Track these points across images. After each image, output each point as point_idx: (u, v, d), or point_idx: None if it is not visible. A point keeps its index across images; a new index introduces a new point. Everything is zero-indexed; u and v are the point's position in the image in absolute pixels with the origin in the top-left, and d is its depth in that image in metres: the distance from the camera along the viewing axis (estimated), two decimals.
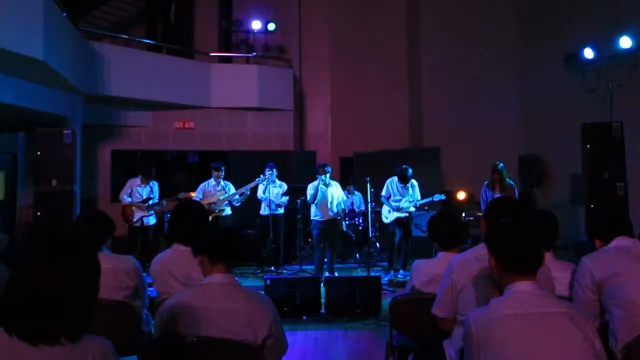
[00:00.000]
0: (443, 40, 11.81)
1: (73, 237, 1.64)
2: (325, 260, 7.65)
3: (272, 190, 8.16)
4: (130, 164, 10.97)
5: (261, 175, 7.99)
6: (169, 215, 5.41)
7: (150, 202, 7.97)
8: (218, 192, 8.06)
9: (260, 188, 8.20)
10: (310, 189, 7.56)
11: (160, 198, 8.08)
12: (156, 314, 2.46)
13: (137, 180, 8.01)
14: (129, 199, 7.93)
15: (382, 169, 8.53)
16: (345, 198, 8.10)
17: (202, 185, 8.18)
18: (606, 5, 9.54)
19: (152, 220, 8.05)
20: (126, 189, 7.99)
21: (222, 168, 8.12)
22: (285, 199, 8.29)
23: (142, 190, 7.97)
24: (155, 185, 8.14)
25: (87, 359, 1.53)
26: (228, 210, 8.20)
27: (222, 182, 8.15)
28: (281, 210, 8.32)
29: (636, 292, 2.57)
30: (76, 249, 1.60)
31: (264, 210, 8.26)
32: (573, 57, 10.07)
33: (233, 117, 11.59)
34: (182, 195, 8.08)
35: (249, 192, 8.09)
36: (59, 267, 1.54)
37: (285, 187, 8.31)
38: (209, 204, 7.84)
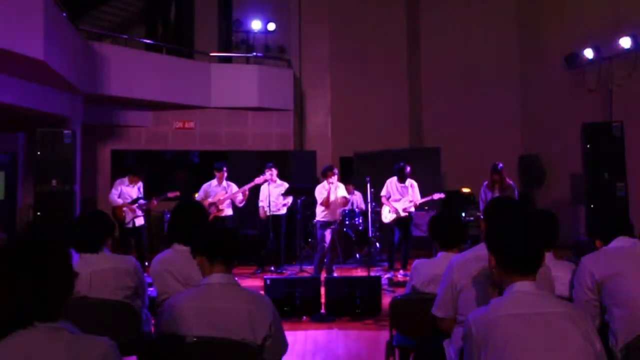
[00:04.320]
0: (443, 40, 11.82)
1: (41, 239, 1.64)
2: (325, 260, 7.64)
3: (273, 191, 8.15)
4: (131, 164, 10.96)
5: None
6: (169, 216, 5.39)
7: (140, 202, 7.87)
8: (220, 192, 8.04)
9: (265, 190, 8.17)
10: (321, 192, 7.46)
11: (147, 198, 8.00)
12: (156, 314, 2.46)
13: (125, 180, 7.91)
14: (120, 201, 7.86)
15: (382, 169, 8.53)
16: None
17: (204, 186, 8.15)
18: (606, 6, 9.54)
19: (141, 221, 7.93)
20: (115, 191, 7.88)
21: (224, 169, 8.11)
22: (288, 199, 8.27)
23: (131, 191, 7.89)
24: (141, 185, 8.03)
25: (88, 357, 1.53)
26: (229, 211, 8.18)
27: (224, 183, 8.14)
28: (283, 211, 8.30)
29: (636, 292, 2.57)
30: (43, 252, 1.60)
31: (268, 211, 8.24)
32: (573, 57, 10.08)
33: (233, 117, 11.59)
34: (169, 194, 8.00)
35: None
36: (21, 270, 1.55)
37: (286, 186, 8.29)
38: (211, 204, 7.83)
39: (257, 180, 8.02)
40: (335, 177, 7.40)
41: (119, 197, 7.81)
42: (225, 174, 8.12)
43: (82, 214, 6.46)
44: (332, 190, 7.33)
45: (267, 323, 2.30)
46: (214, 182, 8.13)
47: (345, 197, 7.50)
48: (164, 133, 11.45)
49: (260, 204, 8.26)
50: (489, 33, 11.72)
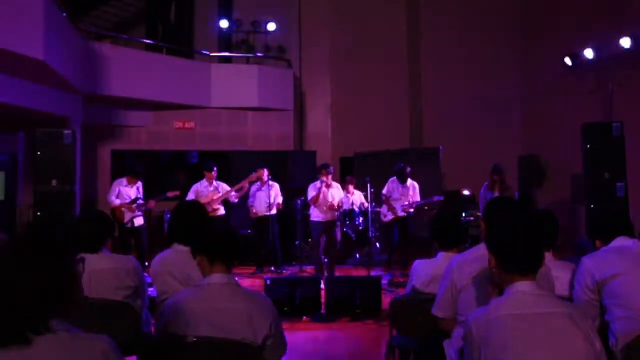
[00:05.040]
0: (443, 41, 11.82)
1: (46, 237, 1.62)
2: (326, 260, 7.64)
3: (264, 192, 8.15)
4: (131, 164, 10.94)
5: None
6: (169, 216, 5.38)
7: (138, 202, 7.87)
8: (211, 192, 8.02)
9: (257, 190, 8.18)
10: (311, 190, 7.52)
11: (146, 198, 7.98)
12: (156, 314, 2.46)
13: (124, 180, 7.88)
14: (117, 201, 7.85)
15: (382, 169, 8.53)
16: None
17: (194, 187, 8.09)
18: (606, 6, 9.54)
19: (140, 221, 7.90)
20: (114, 191, 7.85)
21: (214, 169, 8.07)
22: (279, 199, 8.27)
23: (130, 191, 7.86)
24: (140, 185, 8.01)
25: (88, 356, 1.53)
26: (222, 210, 8.17)
27: (214, 183, 8.12)
28: (274, 211, 8.27)
29: (636, 292, 2.57)
30: (48, 250, 1.59)
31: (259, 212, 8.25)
32: (573, 57, 10.08)
33: (233, 117, 11.59)
34: (169, 194, 7.99)
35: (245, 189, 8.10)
36: (27, 266, 1.53)
37: (277, 187, 8.30)
38: (206, 204, 7.82)
39: (251, 177, 8.04)
40: (329, 176, 7.39)
41: (117, 197, 7.81)
42: (215, 174, 8.09)
43: (82, 214, 6.48)
44: (321, 189, 7.32)
45: (267, 323, 2.30)
46: (204, 182, 8.09)
47: (332, 204, 7.43)
48: (164, 133, 11.45)
49: (251, 204, 8.27)
50: (489, 33, 11.71)
